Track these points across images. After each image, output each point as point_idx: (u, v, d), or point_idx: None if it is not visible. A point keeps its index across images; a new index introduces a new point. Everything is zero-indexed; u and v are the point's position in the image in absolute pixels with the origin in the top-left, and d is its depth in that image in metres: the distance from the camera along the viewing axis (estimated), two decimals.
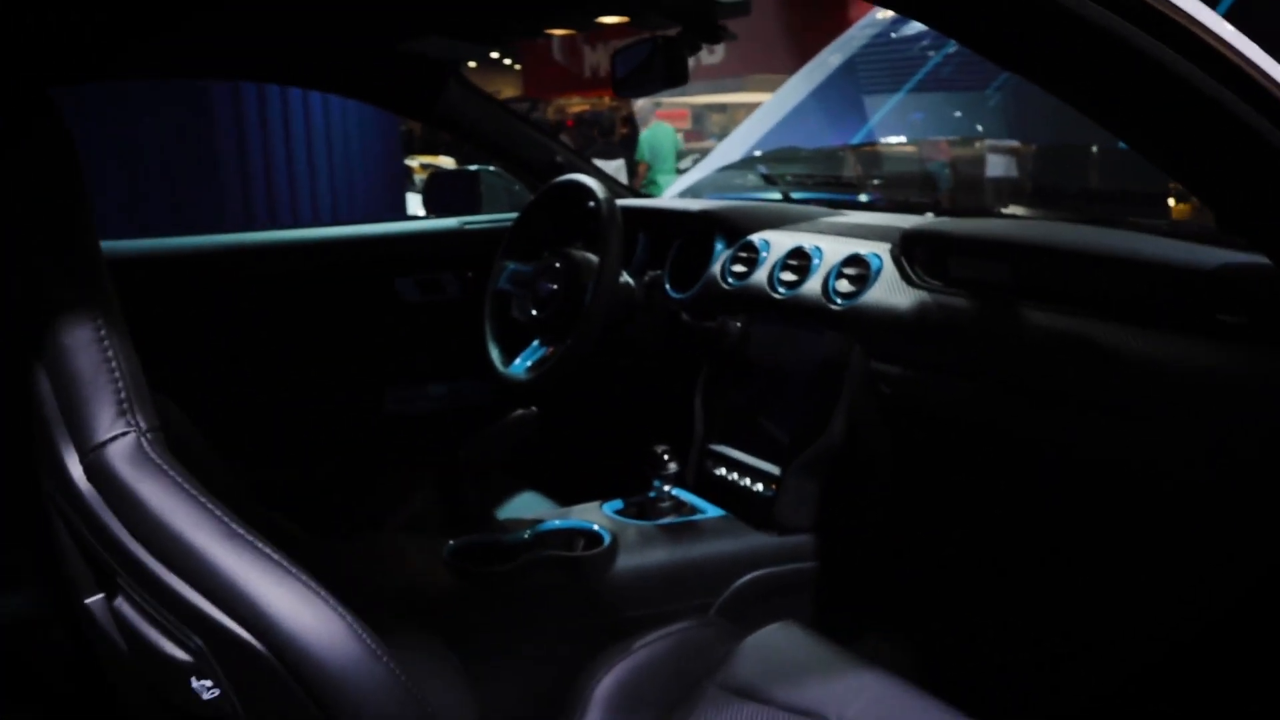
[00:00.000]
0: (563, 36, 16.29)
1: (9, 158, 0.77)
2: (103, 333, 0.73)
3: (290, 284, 2.20)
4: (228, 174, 4.59)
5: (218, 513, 0.64)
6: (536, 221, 2.00)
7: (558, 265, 1.82)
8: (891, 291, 1.57)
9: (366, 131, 5.45)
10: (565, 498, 1.93)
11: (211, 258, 2.13)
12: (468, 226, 2.40)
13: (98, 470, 0.68)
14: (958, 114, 2.66)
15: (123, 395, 0.70)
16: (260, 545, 0.63)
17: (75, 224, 0.79)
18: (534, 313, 1.84)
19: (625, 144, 9.84)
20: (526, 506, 1.91)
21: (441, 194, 2.54)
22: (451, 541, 1.48)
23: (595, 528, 1.58)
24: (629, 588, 1.52)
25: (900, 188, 2.35)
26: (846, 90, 2.71)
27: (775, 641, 1.33)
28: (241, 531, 0.64)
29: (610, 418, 2.32)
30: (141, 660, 0.66)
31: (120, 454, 0.68)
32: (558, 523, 1.60)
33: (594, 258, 1.77)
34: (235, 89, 4.65)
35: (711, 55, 15.56)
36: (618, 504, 1.71)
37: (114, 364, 0.72)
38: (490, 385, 1.89)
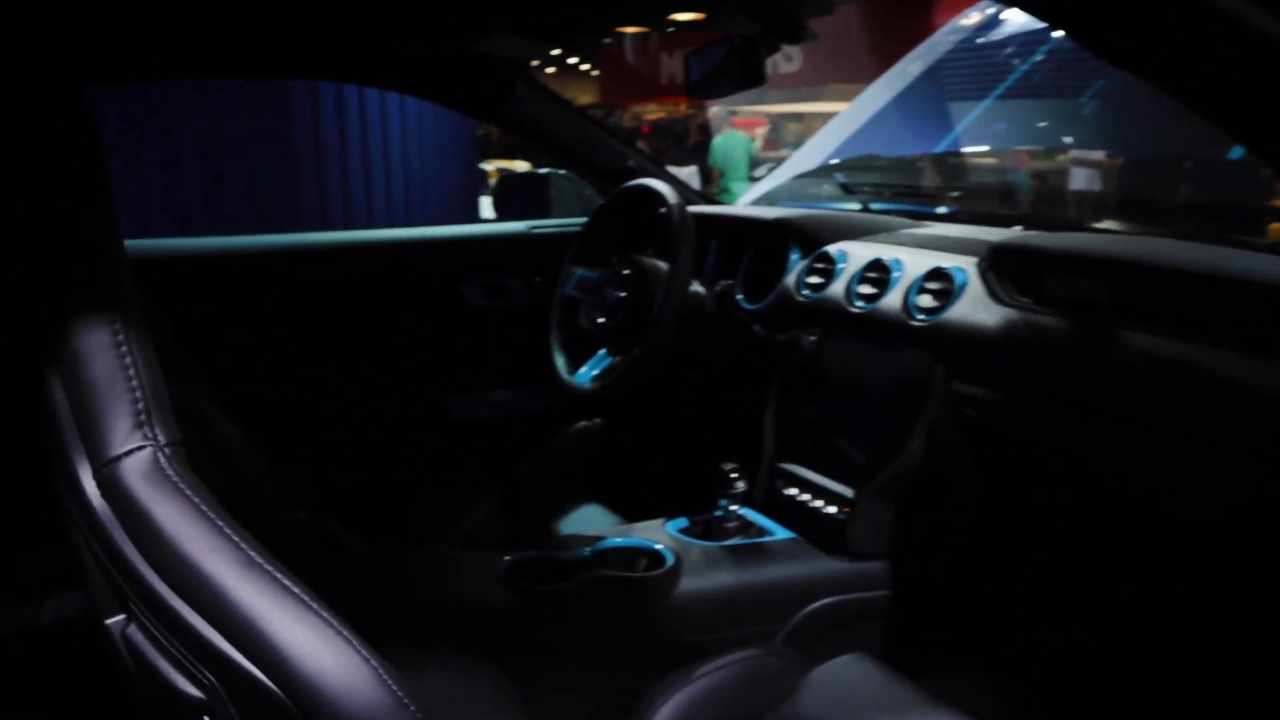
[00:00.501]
0: (640, 42, 16.30)
1: (28, 153, 0.74)
2: (120, 338, 0.68)
3: (354, 287, 2.18)
4: (305, 175, 4.64)
5: (236, 538, 0.59)
6: (606, 226, 1.96)
7: (626, 272, 1.77)
8: (977, 308, 1.48)
9: (442, 135, 5.48)
10: (629, 512, 1.87)
11: (275, 258, 2.12)
12: (536, 230, 2.36)
13: (112, 486, 0.63)
14: (1048, 123, 2.54)
15: (140, 406, 0.65)
16: (280, 577, 0.58)
17: (95, 223, 0.74)
18: (601, 320, 1.79)
19: (699, 151, 9.78)
20: (589, 520, 1.85)
21: (511, 197, 2.51)
22: (507, 558, 1.43)
23: (658, 547, 1.52)
24: (691, 612, 1.45)
25: (984, 199, 2.25)
26: (929, 97, 2.61)
27: (845, 675, 1.26)
28: (260, 560, 0.59)
29: (678, 431, 2.25)
30: (154, 692, 0.61)
31: (136, 470, 0.63)
32: (619, 541, 1.54)
33: (664, 265, 1.71)
34: (314, 90, 4.70)
35: (789, 63, 15.43)
36: (682, 522, 1.64)
37: (132, 372, 0.67)
38: (556, 393, 1.84)
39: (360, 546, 1.59)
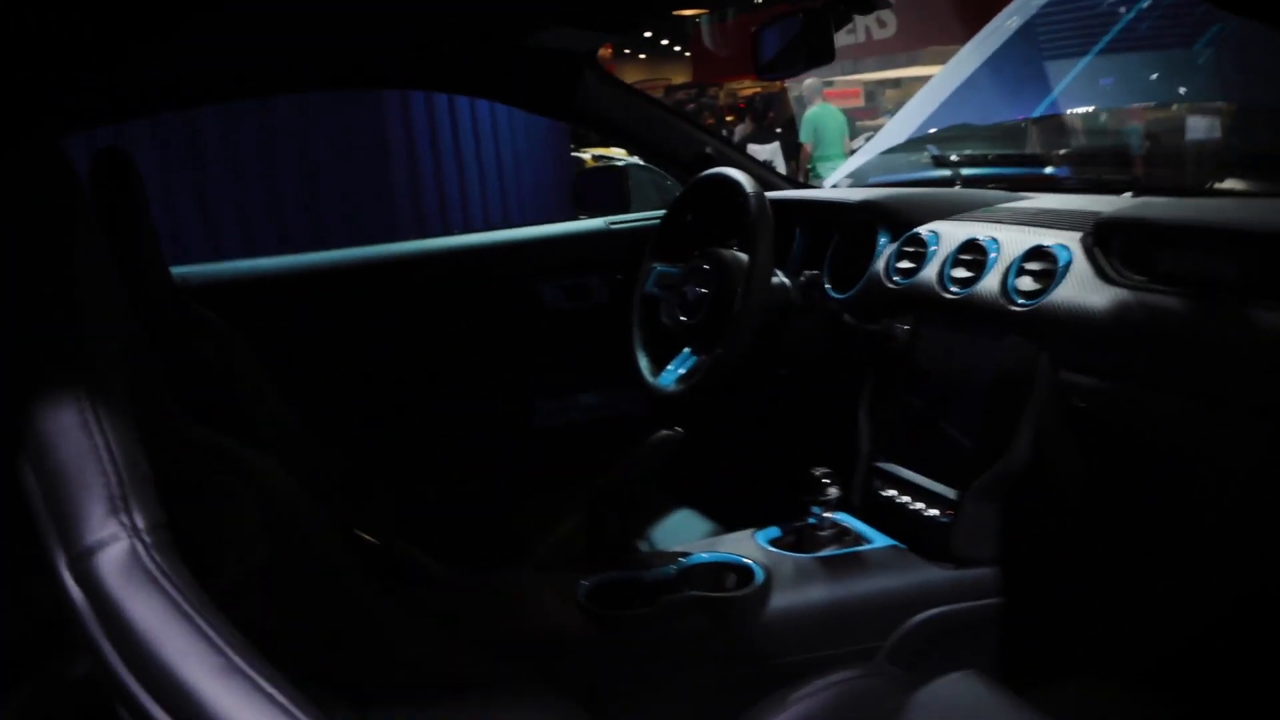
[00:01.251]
0: (727, 20, 16.08)
1: None
2: (89, 415, 0.63)
3: (433, 295, 2.15)
4: (398, 177, 4.66)
5: (217, 639, 0.54)
6: (684, 219, 1.88)
7: (706, 267, 1.69)
8: (1084, 289, 1.35)
9: (535, 129, 5.46)
10: (722, 517, 1.79)
11: (352, 273, 2.10)
12: (614, 226, 2.29)
13: (87, 580, 0.58)
14: (1158, 77, 2.33)
15: (115, 490, 0.60)
16: (264, 683, 0.52)
17: (56, 288, 0.69)
18: (683, 319, 1.72)
19: (789, 127, 9.54)
20: (680, 528, 1.78)
21: (589, 192, 2.44)
22: (585, 581, 1.37)
23: (747, 562, 1.43)
24: (784, 631, 1.36)
25: (1091, 164, 2.08)
26: (1026, 57, 2.43)
27: (955, 694, 1.16)
28: (243, 664, 0.53)
29: (767, 431, 2.16)
30: None
31: (111, 562, 0.58)
32: (705, 556, 1.46)
33: (744, 257, 1.63)
34: (403, 97, 4.72)
35: (883, 29, 15.02)
36: (774, 532, 1.55)
37: (104, 453, 0.61)
38: (644, 393, 1.78)
39: (437, 569, 1.55)
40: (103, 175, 1.31)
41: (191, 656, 0.52)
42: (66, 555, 0.59)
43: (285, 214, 4.27)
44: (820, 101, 9.08)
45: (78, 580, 0.58)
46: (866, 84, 15.20)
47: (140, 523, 0.59)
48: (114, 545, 0.58)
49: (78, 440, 0.61)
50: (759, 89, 17.34)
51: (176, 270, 1.85)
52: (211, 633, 0.54)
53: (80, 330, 0.69)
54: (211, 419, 1.04)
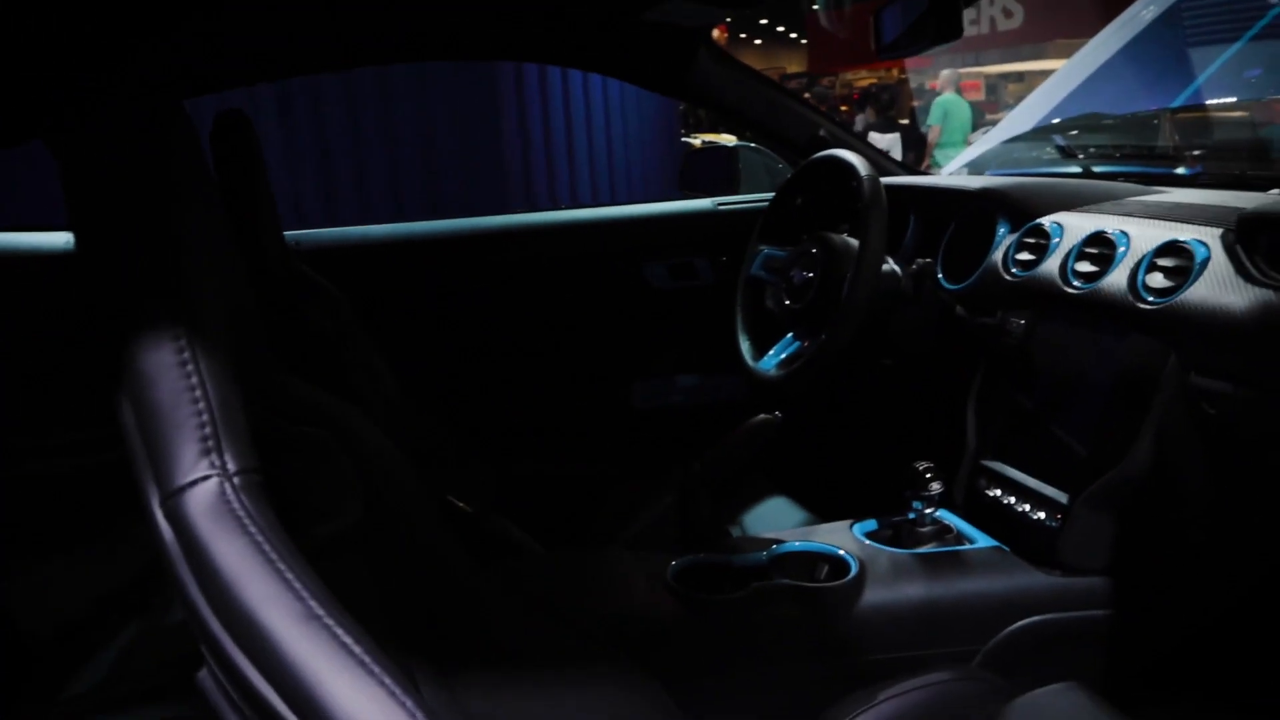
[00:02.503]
0: (846, 7, 15.82)
1: (101, 161, 0.70)
2: (187, 355, 0.62)
3: (535, 270, 2.14)
4: (511, 154, 4.72)
5: (298, 585, 0.53)
6: (794, 202, 1.84)
7: (814, 251, 1.65)
8: (1222, 288, 1.26)
9: (645, 110, 5.47)
10: (818, 508, 1.75)
11: (456, 244, 2.11)
12: (722, 207, 2.26)
13: (176, 519, 0.58)
14: None
15: (208, 431, 0.60)
16: (342, 633, 0.51)
17: (165, 233, 0.69)
18: (788, 303, 1.68)
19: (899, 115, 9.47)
20: (774, 515, 1.74)
21: (698, 172, 2.41)
22: (675, 562, 1.34)
23: (841, 553, 1.39)
24: (876, 626, 1.32)
25: (1233, 159, 1.95)
26: (1165, 44, 2.29)
27: (1054, 705, 1.11)
28: (322, 613, 0.52)
29: (871, 424, 2.10)
30: None
31: (200, 502, 0.57)
32: (798, 545, 1.42)
33: (855, 243, 1.58)
34: (518, 71, 4.75)
35: (1009, 19, 14.59)
36: (871, 525, 1.50)
37: (199, 393, 0.61)
38: (745, 378, 1.74)
39: (531, 544, 1.54)
40: (223, 135, 1.33)
41: (271, 601, 0.52)
42: (160, 493, 0.59)
43: (401, 184, 4.35)
44: (953, 91, 8.96)
45: (168, 518, 0.58)
46: (989, 77, 14.80)
47: (231, 465, 0.59)
48: (204, 485, 0.58)
49: (174, 379, 0.61)
50: (875, 79, 17.05)
51: (290, 234, 1.88)
52: (294, 579, 0.53)
53: (184, 275, 0.69)
54: (315, 378, 1.05)
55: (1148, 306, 1.34)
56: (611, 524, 1.73)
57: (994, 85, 15.13)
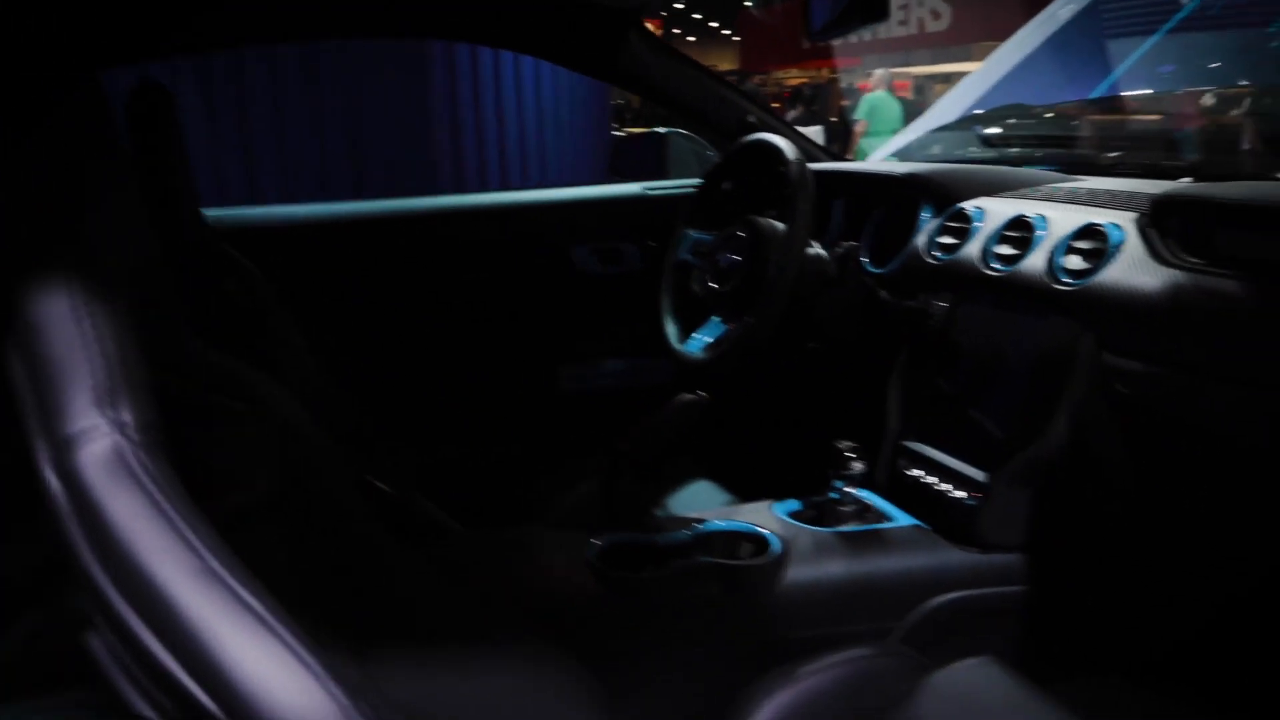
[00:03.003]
0: (781, 6, 15.93)
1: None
2: (83, 307, 0.59)
3: (463, 251, 2.11)
4: (440, 136, 4.66)
5: (195, 541, 0.50)
6: (721, 185, 1.83)
7: (742, 234, 1.64)
8: (1135, 270, 1.29)
9: (577, 100, 5.44)
10: (742, 490, 1.75)
11: (383, 224, 2.07)
12: (651, 192, 2.25)
13: (69, 476, 0.54)
14: (1226, 61, 2.24)
15: (101, 380, 0.56)
16: (241, 589, 0.48)
17: (70, 190, 0.66)
18: (714, 286, 1.67)
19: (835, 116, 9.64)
20: (696, 498, 1.74)
21: (628, 158, 2.40)
22: (598, 541, 1.33)
23: (763, 532, 1.39)
24: (798, 604, 1.32)
25: (1147, 149, 2.00)
26: (1085, 37, 2.34)
27: (971, 681, 1.12)
28: (221, 570, 0.49)
29: (794, 406, 2.11)
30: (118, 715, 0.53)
31: (93, 457, 0.54)
32: (721, 524, 1.41)
33: (781, 226, 1.58)
34: (449, 52, 4.70)
35: (937, 21, 14.84)
36: (793, 505, 1.51)
37: (93, 344, 0.57)
38: (672, 363, 1.73)
39: (450, 524, 1.52)
40: (140, 106, 1.28)
41: (167, 557, 0.49)
42: (48, 445, 0.55)
43: (327, 164, 4.27)
44: (885, 89, 9.12)
45: (57, 472, 0.55)
46: (916, 78, 15.04)
47: (128, 419, 0.55)
48: (97, 439, 0.55)
49: (67, 329, 0.58)
50: (806, 79, 17.21)
51: (209, 212, 1.83)
52: (192, 536, 0.50)
53: (83, 228, 0.66)
54: (231, 352, 1.01)
55: (1064, 288, 1.36)
56: (535, 506, 1.71)
57: (922, 86, 15.38)
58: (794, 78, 17.89)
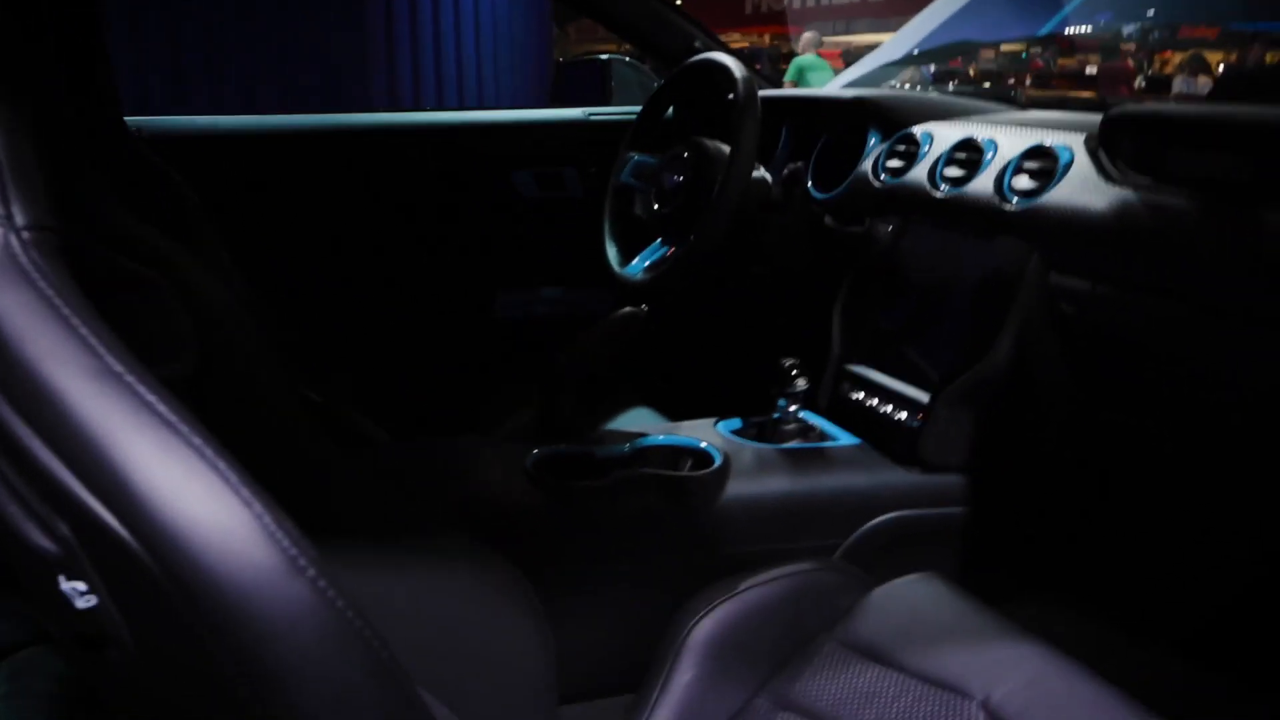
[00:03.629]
0: None
1: None
2: None
3: (400, 170, 2.04)
4: (375, 61, 4.53)
5: (93, 340, 0.44)
6: (667, 107, 1.79)
7: (686, 155, 1.61)
8: (1084, 189, 1.28)
9: (516, 25, 5.33)
10: (683, 411, 1.73)
11: (318, 138, 1.99)
12: (594, 118, 2.19)
13: None
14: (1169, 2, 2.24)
15: None
16: (146, 391, 0.43)
17: None
18: (657, 208, 1.64)
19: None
20: (636, 422, 1.71)
21: (571, 84, 2.34)
22: (536, 450, 1.29)
23: (704, 446, 1.37)
24: (740, 519, 1.30)
25: (1097, 84, 1.99)
26: None
27: (912, 595, 1.11)
28: (122, 369, 0.44)
29: (737, 331, 2.09)
30: (11, 548, 0.47)
31: None
32: (662, 438, 1.39)
33: (727, 148, 1.54)
34: None
35: None
36: (735, 423, 1.49)
37: None
38: (611, 291, 1.69)
39: (381, 435, 1.46)
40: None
41: (59, 356, 0.43)
42: None
43: (257, 77, 4.12)
44: (814, 52, 9.17)
45: None
46: (851, 47, 15.07)
47: (20, 219, 0.49)
48: None
49: None
50: (747, 44, 17.13)
51: (131, 120, 1.74)
52: (88, 334, 0.45)
53: None
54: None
55: (1012, 208, 1.35)
56: (470, 423, 1.66)
57: (858, 57, 15.40)
58: (735, 41, 17.81)
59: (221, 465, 0.42)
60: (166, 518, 0.40)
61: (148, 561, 0.40)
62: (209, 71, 4.03)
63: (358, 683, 0.42)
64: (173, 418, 0.42)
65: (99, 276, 0.76)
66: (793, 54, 10.12)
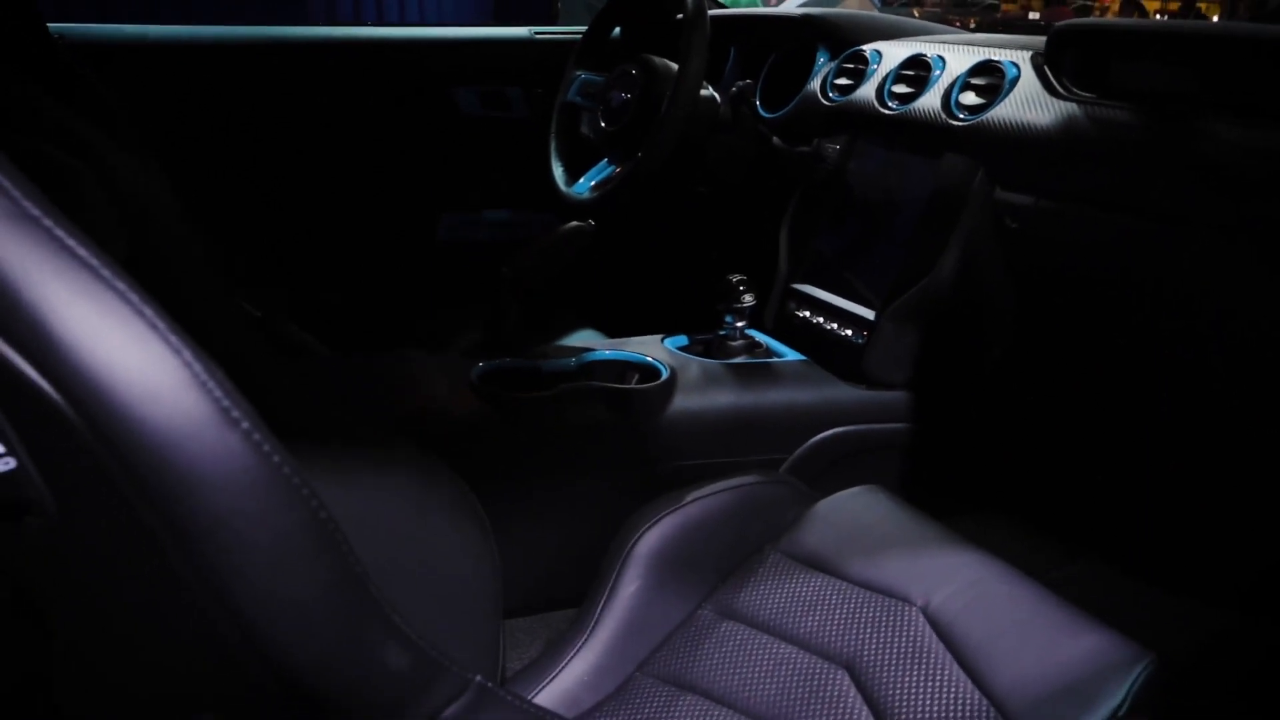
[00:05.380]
0: None
1: None
2: None
3: (337, 86, 1.98)
4: None
5: (8, 184, 0.41)
6: (614, 25, 1.75)
7: (634, 72, 1.58)
8: (1030, 105, 1.28)
9: None
10: (630, 328, 1.72)
11: (253, 50, 1.91)
12: (539, 36, 2.14)
13: None
14: None
15: None
16: (63, 235, 0.40)
17: None
18: (604, 125, 1.60)
19: None
20: (582, 340, 1.70)
21: (514, 4, 2.28)
22: (481, 364, 1.28)
23: (651, 360, 1.36)
24: (686, 432, 1.30)
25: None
26: None
27: (855, 507, 1.12)
28: (38, 213, 0.41)
29: (683, 250, 2.08)
30: None
31: None
32: (608, 353, 1.38)
33: (675, 65, 1.51)
34: None
35: None
36: (682, 340, 1.48)
37: None
38: (557, 213, 1.67)
39: (320, 349, 1.44)
40: None
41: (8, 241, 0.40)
42: None
43: None
44: None
45: None
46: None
47: None
48: None
49: None
50: None
51: (53, 26, 1.66)
52: (2, 178, 0.42)
53: None
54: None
55: (959, 123, 1.34)
56: (412, 339, 1.64)
57: None
58: None
59: (148, 311, 0.39)
60: (89, 366, 0.37)
61: (70, 414, 0.37)
62: None
63: (295, 540, 0.41)
64: (94, 261, 0.40)
65: (22, 162, 0.72)
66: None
